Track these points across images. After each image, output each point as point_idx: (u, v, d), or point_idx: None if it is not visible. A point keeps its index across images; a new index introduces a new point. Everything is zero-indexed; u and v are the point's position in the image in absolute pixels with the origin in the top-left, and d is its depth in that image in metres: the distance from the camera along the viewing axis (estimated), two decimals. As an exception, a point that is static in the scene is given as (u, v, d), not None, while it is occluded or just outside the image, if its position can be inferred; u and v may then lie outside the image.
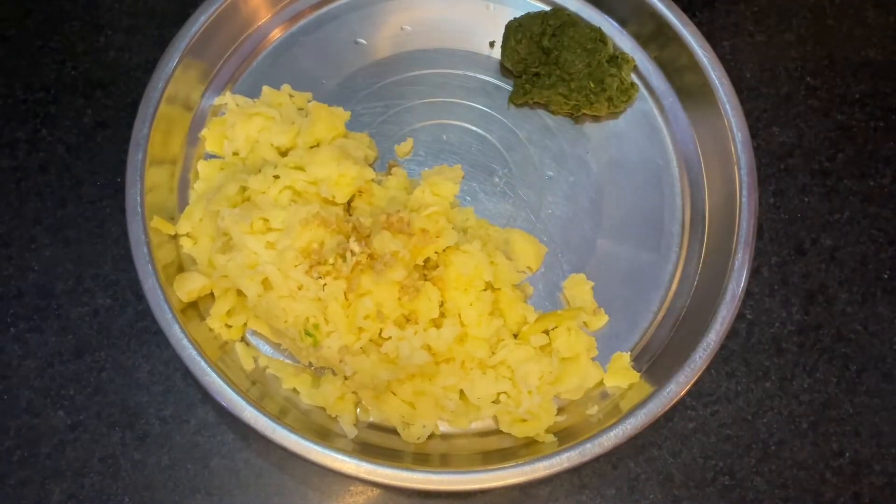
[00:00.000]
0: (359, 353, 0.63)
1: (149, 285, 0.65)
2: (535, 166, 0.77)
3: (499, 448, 0.66)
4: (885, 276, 0.78)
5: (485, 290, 0.67)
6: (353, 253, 0.63)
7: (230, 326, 0.69)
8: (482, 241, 0.69)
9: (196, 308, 0.69)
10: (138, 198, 0.68)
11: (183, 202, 0.74)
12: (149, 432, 0.70)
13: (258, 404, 0.62)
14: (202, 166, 0.74)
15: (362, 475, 0.60)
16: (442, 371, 0.65)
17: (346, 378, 0.66)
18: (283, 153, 0.74)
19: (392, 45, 0.81)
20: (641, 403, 0.64)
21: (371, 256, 0.63)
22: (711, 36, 0.85)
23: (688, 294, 0.72)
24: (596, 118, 0.79)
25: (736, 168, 0.72)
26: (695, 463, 0.71)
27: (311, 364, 0.69)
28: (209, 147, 0.75)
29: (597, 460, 0.63)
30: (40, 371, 0.72)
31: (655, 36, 0.79)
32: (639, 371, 0.69)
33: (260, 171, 0.69)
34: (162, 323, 0.64)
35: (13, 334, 0.73)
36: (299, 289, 0.63)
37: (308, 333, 0.63)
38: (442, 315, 0.65)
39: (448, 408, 0.66)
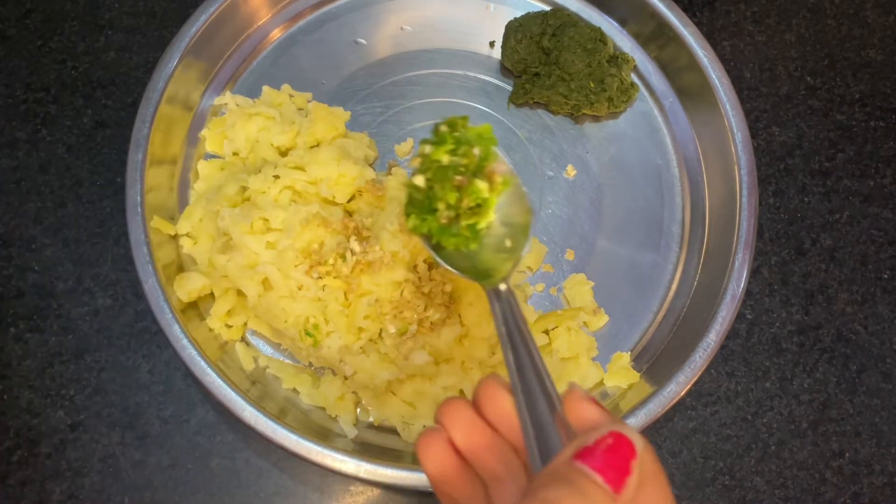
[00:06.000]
0: (359, 353, 0.63)
1: (149, 285, 0.65)
2: (535, 166, 0.77)
3: (499, 448, 0.66)
4: (886, 276, 0.78)
5: (485, 290, 0.67)
6: (353, 253, 0.63)
7: (230, 326, 0.69)
8: (482, 241, 0.69)
9: (196, 308, 0.69)
10: (138, 198, 0.68)
11: (183, 202, 0.74)
12: (149, 432, 0.70)
13: (258, 404, 0.62)
14: (202, 166, 0.74)
15: (362, 475, 0.60)
16: (442, 371, 0.65)
17: (346, 378, 0.66)
18: (283, 153, 0.74)
19: (392, 45, 0.81)
20: (641, 403, 0.64)
21: (368, 257, 0.63)
22: (711, 36, 0.85)
23: (688, 294, 0.72)
24: (596, 118, 0.79)
25: (736, 168, 0.72)
26: (695, 463, 0.71)
27: (311, 364, 0.69)
28: (209, 147, 0.76)
29: (597, 460, 0.63)
30: (40, 371, 0.72)
31: (655, 36, 0.79)
32: (639, 371, 0.69)
33: (260, 171, 0.69)
34: (162, 323, 0.64)
35: (13, 334, 0.73)
36: (299, 289, 0.63)
37: (308, 333, 0.63)
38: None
39: (448, 408, 0.65)
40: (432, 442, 0.40)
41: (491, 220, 0.48)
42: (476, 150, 0.47)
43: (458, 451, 0.40)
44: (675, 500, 0.34)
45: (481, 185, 0.47)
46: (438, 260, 0.49)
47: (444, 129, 0.48)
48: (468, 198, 0.47)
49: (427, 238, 0.49)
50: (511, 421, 0.39)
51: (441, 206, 0.47)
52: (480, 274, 0.46)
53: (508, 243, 0.48)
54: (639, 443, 0.33)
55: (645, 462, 0.33)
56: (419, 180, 0.48)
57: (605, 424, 0.34)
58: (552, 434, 0.36)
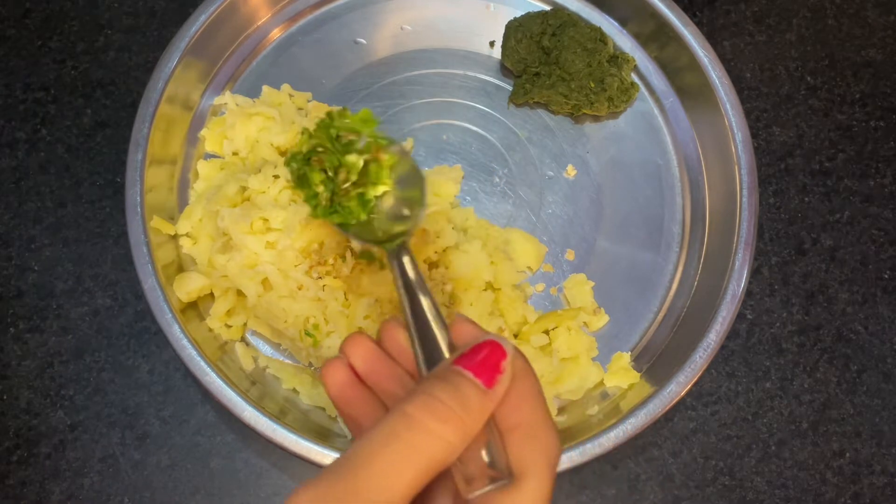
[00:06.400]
0: (359, 353, 0.63)
1: (149, 285, 0.65)
2: (535, 166, 0.77)
3: (499, 448, 0.66)
4: (886, 276, 0.78)
5: (485, 290, 0.67)
6: (352, 253, 0.63)
7: (230, 326, 0.69)
8: (482, 241, 0.69)
9: (196, 308, 0.69)
10: (138, 198, 0.68)
11: (183, 202, 0.74)
12: (149, 432, 0.70)
13: (258, 404, 0.62)
14: (202, 166, 0.74)
15: (362, 475, 0.60)
16: (442, 371, 0.65)
17: (345, 378, 0.66)
18: (283, 153, 0.74)
19: (392, 45, 0.81)
20: (641, 403, 0.64)
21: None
22: (711, 36, 0.85)
23: (688, 294, 0.72)
24: (596, 118, 0.79)
25: (736, 168, 0.72)
26: (695, 463, 0.71)
27: (311, 364, 0.69)
28: (209, 147, 0.75)
29: (597, 460, 0.63)
30: (40, 371, 0.72)
31: (655, 36, 0.79)
32: (639, 371, 0.69)
33: (260, 170, 0.69)
34: (162, 323, 0.64)
35: (13, 334, 0.73)
36: (299, 289, 0.63)
37: (308, 333, 0.63)
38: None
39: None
40: (334, 365, 0.45)
41: (381, 192, 0.54)
42: (343, 134, 0.54)
43: (360, 379, 0.45)
44: (543, 392, 0.40)
45: (350, 160, 0.54)
46: (345, 233, 0.55)
47: (323, 119, 0.54)
48: (343, 174, 0.54)
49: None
50: (408, 353, 0.45)
51: (319, 189, 0.54)
52: (383, 240, 0.52)
53: (406, 212, 0.54)
54: (509, 347, 0.39)
55: (516, 364, 0.39)
56: (289, 171, 0.55)
57: (481, 336, 0.40)
58: (440, 354, 0.42)
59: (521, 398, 0.39)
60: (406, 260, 0.49)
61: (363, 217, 0.54)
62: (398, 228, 0.53)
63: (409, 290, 0.46)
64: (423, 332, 0.43)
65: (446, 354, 0.42)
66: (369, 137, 0.55)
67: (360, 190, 0.54)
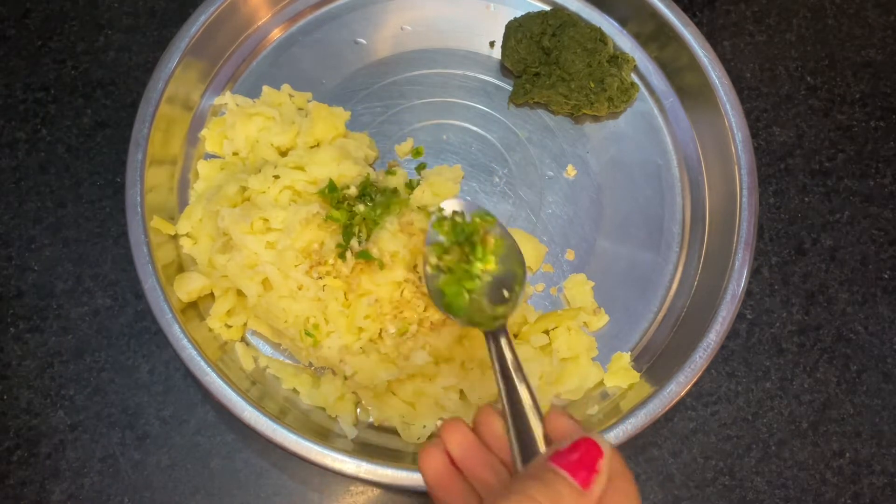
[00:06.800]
0: (359, 353, 0.63)
1: (149, 285, 0.65)
2: (535, 166, 0.77)
3: (499, 448, 0.66)
4: (886, 276, 0.78)
5: (485, 290, 0.67)
6: (352, 253, 0.63)
7: (230, 326, 0.69)
8: (482, 241, 0.69)
9: (196, 308, 0.69)
10: (138, 198, 0.68)
11: (183, 202, 0.74)
12: (149, 432, 0.70)
13: (258, 404, 0.62)
14: (202, 166, 0.74)
15: (362, 475, 0.60)
16: (442, 371, 0.65)
17: (346, 378, 0.66)
18: (283, 153, 0.74)
19: (392, 45, 0.81)
20: (641, 403, 0.64)
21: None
22: (711, 36, 0.85)
23: (688, 294, 0.72)
24: (596, 118, 0.79)
25: (736, 168, 0.72)
26: (695, 463, 0.71)
27: (311, 364, 0.69)
28: (209, 147, 0.76)
29: (597, 460, 0.63)
30: (40, 371, 0.72)
31: (655, 36, 0.79)
32: (639, 371, 0.69)
33: (260, 171, 0.69)
34: (162, 323, 0.64)
35: (13, 334, 0.73)
36: (299, 289, 0.63)
37: (308, 333, 0.63)
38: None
39: (448, 408, 0.65)
40: (432, 452, 0.45)
41: (488, 272, 0.55)
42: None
43: (455, 465, 0.45)
44: (639, 495, 0.39)
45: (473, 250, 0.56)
46: (448, 314, 0.55)
47: (443, 220, 0.58)
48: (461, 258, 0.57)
49: (440, 300, 0.56)
50: (503, 442, 0.45)
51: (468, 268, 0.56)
52: (482, 322, 0.52)
53: (506, 294, 0.54)
54: (606, 447, 0.38)
55: (613, 463, 0.38)
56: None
57: (577, 432, 0.40)
58: (535, 447, 0.42)
59: (618, 501, 0.38)
60: (504, 343, 0.49)
61: (468, 298, 0.54)
62: (499, 311, 0.53)
63: (507, 376, 0.46)
64: (518, 422, 0.44)
65: (541, 447, 0.42)
66: (476, 218, 0.56)
67: (471, 270, 0.55)
